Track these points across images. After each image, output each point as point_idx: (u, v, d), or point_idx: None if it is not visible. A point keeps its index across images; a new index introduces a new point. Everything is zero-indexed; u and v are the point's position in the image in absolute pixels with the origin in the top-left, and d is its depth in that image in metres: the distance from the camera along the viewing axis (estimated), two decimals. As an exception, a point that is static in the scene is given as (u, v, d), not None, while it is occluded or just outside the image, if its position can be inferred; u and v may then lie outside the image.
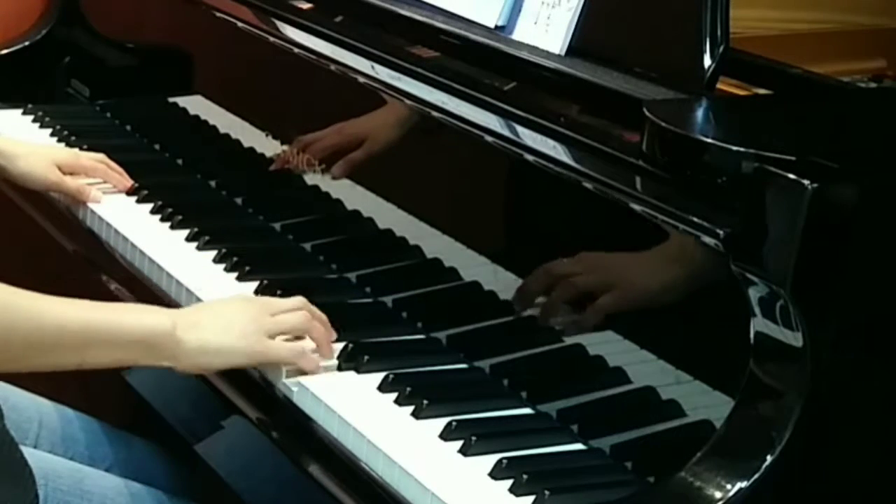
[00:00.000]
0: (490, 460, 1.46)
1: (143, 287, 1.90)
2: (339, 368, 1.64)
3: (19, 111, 2.43)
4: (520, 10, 1.78)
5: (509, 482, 1.43)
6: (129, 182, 2.12)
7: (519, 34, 1.78)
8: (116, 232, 1.99)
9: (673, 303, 1.48)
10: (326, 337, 1.65)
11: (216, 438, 1.93)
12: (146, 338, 1.56)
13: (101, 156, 2.16)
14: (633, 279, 1.52)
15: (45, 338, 1.52)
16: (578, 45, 1.71)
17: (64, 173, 2.10)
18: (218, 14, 2.17)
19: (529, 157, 1.61)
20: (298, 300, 1.67)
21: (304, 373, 1.62)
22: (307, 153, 1.96)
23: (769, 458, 1.32)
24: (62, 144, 2.29)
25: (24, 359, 1.53)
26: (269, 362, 1.62)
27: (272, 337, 1.62)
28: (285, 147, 2.02)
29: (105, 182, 2.12)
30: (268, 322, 1.62)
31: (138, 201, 2.08)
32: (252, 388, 1.66)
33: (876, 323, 1.38)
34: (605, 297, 1.53)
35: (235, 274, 1.87)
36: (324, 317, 1.67)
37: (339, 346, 1.67)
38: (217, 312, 1.63)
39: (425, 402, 1.55)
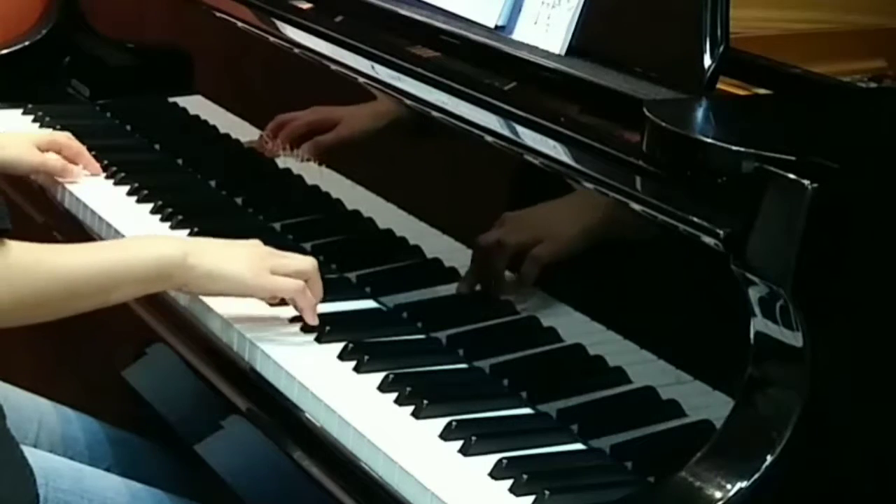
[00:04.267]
0: (490, 460, 1.46)
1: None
2: (341, 358, 1.65)
3: (19, 111, 2.43)
4: (520, 10, 1.78)
5: (509, 482, 1.43)
6: (97, 165, 2.16)
7: (519, 34, 1.78)
8: (117, 232, 1.99)
9: (672, 302, 1.48)
10: (319, 295, 1.72)
11: (216, 438, 1.93)
12: (161, 270, 1.67)
13: (68, 134, 2.19)
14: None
15: (74, 290, 1.63)
16: (578, 45, 1.71)
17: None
18: (218, 14, 2.17)
19: (529, 157, 1.61)
20: (308, 258, 1.74)
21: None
22: (285, 140, 1.99)
23: (769, 458, 1.32)
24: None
25: (55, 312, 1.65)
26: (271, 293, 1.70)
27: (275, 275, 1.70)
28: (267, 139, 2.04)
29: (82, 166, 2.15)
30: (274, 261, 1.71)
31: (138, 201, 2.08)
32: (252, 388, 1.67)
33: (876, 322, 1.38)
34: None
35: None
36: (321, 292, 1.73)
37: (340, 345, 1.67)
38: (226, 244, 1.74)
39: (425, 402, 1.55)
